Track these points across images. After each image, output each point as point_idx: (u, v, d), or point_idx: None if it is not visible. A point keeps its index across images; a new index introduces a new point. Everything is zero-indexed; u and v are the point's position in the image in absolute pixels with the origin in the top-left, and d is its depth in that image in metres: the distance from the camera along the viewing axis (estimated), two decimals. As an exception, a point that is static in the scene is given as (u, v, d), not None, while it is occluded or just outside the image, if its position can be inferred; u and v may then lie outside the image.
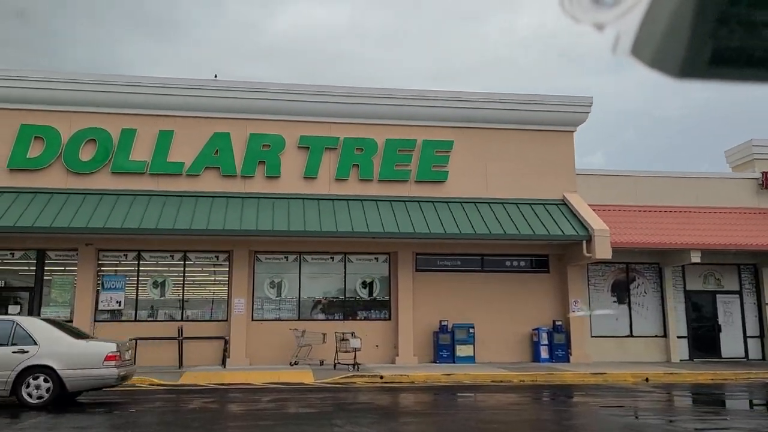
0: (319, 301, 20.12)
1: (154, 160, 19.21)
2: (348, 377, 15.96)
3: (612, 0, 0.78)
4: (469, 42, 73.92)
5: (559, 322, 20.09)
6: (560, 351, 19.76)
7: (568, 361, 19.70)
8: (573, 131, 21.14)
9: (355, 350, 17.02)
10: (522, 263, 20.79)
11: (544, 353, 19.69)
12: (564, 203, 20.30)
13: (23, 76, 18.86)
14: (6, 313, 18.63)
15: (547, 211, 19.92)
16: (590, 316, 20.68)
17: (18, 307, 18.92)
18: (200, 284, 20.17)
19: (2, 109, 18.85)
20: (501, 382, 16.07)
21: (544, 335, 19.79)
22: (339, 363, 17.41)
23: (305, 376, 16.09)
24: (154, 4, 69.98)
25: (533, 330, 20.15)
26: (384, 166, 19.94)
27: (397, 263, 19.94)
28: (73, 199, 18.49)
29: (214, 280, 20.04)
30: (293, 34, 70.98)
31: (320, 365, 18.33)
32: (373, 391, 14.22)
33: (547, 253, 20.71)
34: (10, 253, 18.99)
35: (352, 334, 17.45)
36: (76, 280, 18.86)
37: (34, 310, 18.75)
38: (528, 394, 13.95)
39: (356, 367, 16.88)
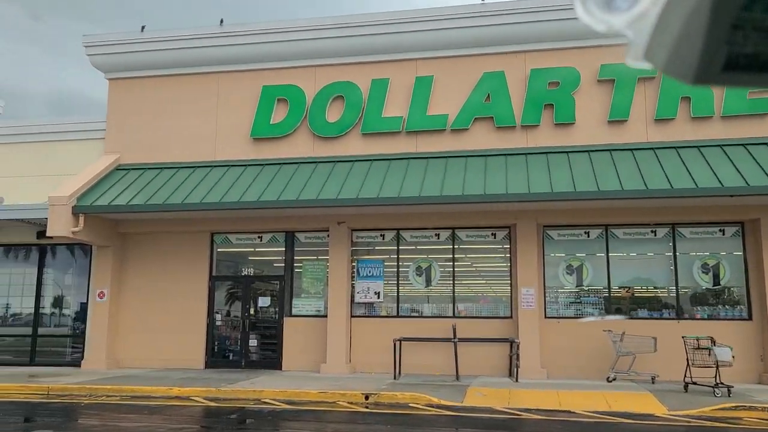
0: (635, 293, 14.32)
1: (411, 114, 15.05)
2: (723, 408, 10.00)
3: (626, 5, 0.76)
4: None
5: None
6: None
7: None
8: None
9: (721, 365, 10.96)
10: None
11: None
12: None
13: (263, 29, 15.92)
14: (255, 306, 15.79)
15: None
16: None
17: (268, 298, 16.02)
18: (474, 270, 15.55)
19: (242, 71, 16.15)
20: None
21: None
22: (694, 382, 11.47)
23: (648, 403, 10.49)
24: None
25: None
26: (730, 98, 13.49)
27: (759, 237, 13.34)
28: (320, 169, 15.06)
29: (492, 265, 15.30)
30: None
31: (651, 382, 12.56)
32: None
33: None
34: (258, 237, 16.19)
35: (712, 340, 11.39)
36: (328, 266, 15.44)
37: (285, 303, 15.68)
38: None
39: (727, 391, 10.80)
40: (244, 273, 16.28)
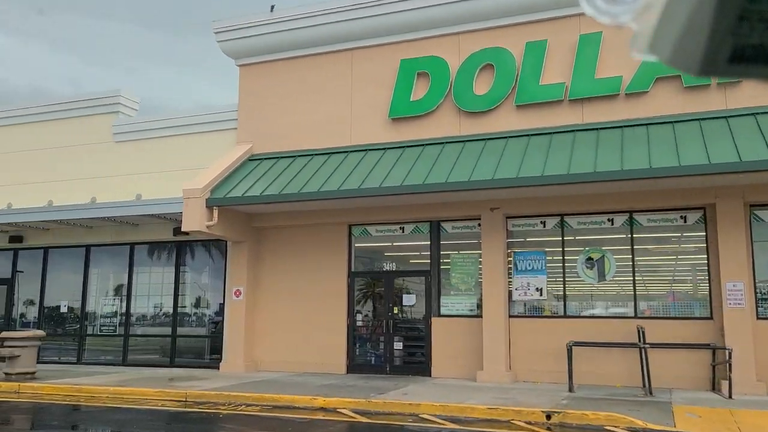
0: None
1: (576, 80, 12.73)
2: None
3: None
4: None
5: None
6: None
7: None
8: None
9: None
10: None
11: None
12: None
13: (399, -4, 14.23)
14: (399, 305, 14.10)
15: None
16: None
17: (413, 296, 14.29)
18: (659, 261, 12.95)
19: (378, 46, 14.56)
20: None
21: None
22: None
23: None
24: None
25: None
26: None
27: None
28: (469, 148, 13.12)
29: (683, 255, 12.65)
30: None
31: None
32: None
33: None
34: (399, 228, 14.51)
35: None
36: (480, 259, 13.46)
37: (432, 301, 13.88)
38: None
39: None
40: (386, 268, 14.66)
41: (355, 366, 14.29)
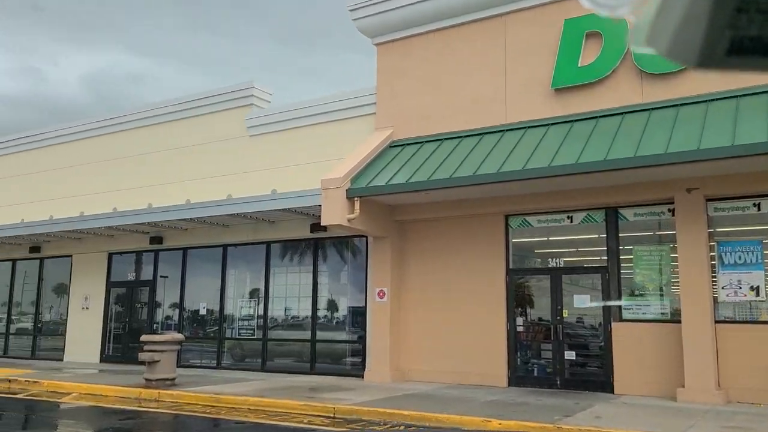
0: None
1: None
2: None
3: None
4: None
5: None
6: None
7: None
8: None
9: None
10: None
11: None
12: None
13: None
14: (569, 307, 11.95)
15: None
16: None
17: (586, 297, 12.06)
18: None
19: (536, 7, 12.51)
20: None
21: None
22: None
23: None
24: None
25: None
26: None
27: None
28: (657, 117, 10.76)
29: None
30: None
31: None
32: None
33: None
34: (567, 217, 12.34)
35: None
36: (673, 252, 11.02)
37: (611, 302, 11.59)
38: None
39: None
40: (551, 264, 12.53)
41: (517, 378, 12.30)
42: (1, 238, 18.71)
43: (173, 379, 12.14)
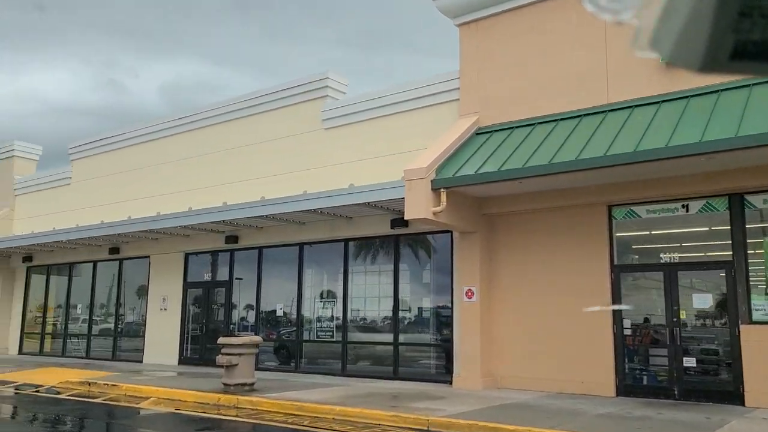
0: None
1: None
2: None
3: None
4: None
5: None
6: None
7: None
8: None
9: None
10: None
11: None
12: None
13: None
14: (686, 307, 10.54)
15: None
16: None
17: (708, 296, 10.61)
18: None
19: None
20: None
21: None
22: None
23: None
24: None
25: None
26: None
27: None
28: (794, 87, 9.25)
29: None
30: None
31: None
32: None
33: None
34: (682, 206, 10.93)
35: None
36: (815, 243, 9.48)
37: (739, 303, 10.10)
38: None
39: None
40: (664, 260, 11.13)
41: (626, 387, 10.97)
42: (82, 240, 18.75)
43: (252, 384, 11.49)
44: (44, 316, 22.17)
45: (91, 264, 20.74)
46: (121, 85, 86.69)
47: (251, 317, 16.81)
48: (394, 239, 14.30)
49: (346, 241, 15.03)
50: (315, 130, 15.65)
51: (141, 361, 18.42)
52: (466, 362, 12.30)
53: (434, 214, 11.23)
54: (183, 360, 17.66)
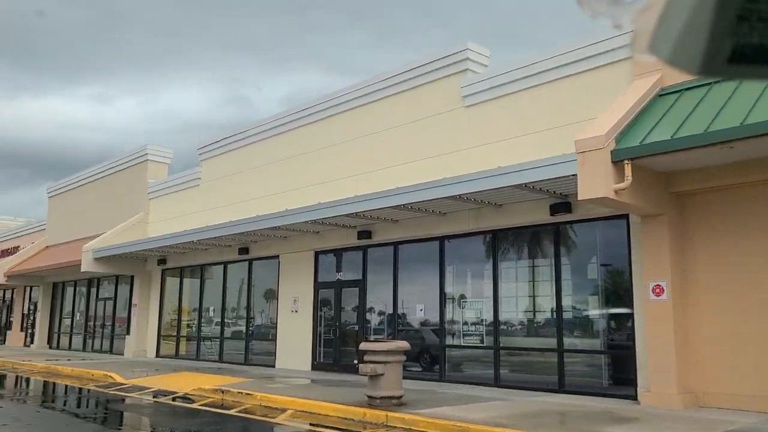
0: None
1: None
2: None
3: None
4: None
5: None
6: None
7: None
8: None
9: None
10: None
11: None
12: None
13: None
14: None
15: None
16: None
17: None
18: None
19: None
20: None
21: None
22: None
23: None
24: None
25: None
26: None
27: None
28: None
29: None
30: None
31: None
32: None
33: None
34: None
35: None
36: None
37: None
38: None
39: None
40: None
41: None
42: (211, 240, 18.18)
43: (399, 396, 9.88)
44: (179, 319, 22.03)
45: (222, 265, 20.24)
46: (246, 99, 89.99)
47: (387, 319, 15.32)
48: (554, 228, 12.22)
49: (495, 232, 13.14)
50: (453, 109, 13.90)
51: (273, 366, 17.51)
52: (655, 374, 9.99)
53: (616, 192, 9.08)
54: (316, 365, 16.49)
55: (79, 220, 26.75)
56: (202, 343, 20.75)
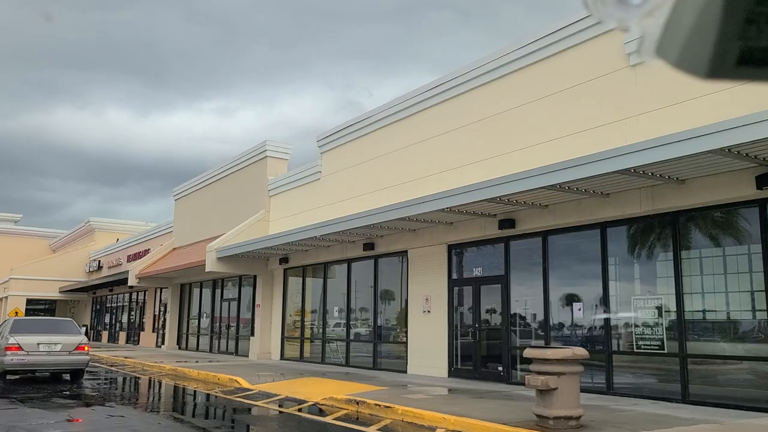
0: None
1: None
2: None
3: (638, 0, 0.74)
4: None
5: None
6: None
7: None
8: None
9: None
10: None
11: None
12: None
13: None
14: None
15: None
16: None
17: None
18: None
19: None
20: None
21: None
22: None
23: None
24: None
25: None
26: None
27: None
28: None
29: None
30: None
31: None
32: None
33: None
34: None
35: None
36: None
37: None
38: None
39: None
40: None
41: None
42: (334, 235, 16.91)
43: (578, 417, 7.86)
44: (302, 320, 21.06)
45: (346, 263, 18.96)
46: (357, 105, 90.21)
47: (536, 320, 13.25)
48: (760, 205, 9.67)
49: (675, 213, 10.74)
50: (613, 70, 11.64)
51: (404, 371, 15.91)
52: None
53: None
54: (453, 372, 14.70)
55: (203, 221, 26.68)
56: (326, 345, 19.59)
